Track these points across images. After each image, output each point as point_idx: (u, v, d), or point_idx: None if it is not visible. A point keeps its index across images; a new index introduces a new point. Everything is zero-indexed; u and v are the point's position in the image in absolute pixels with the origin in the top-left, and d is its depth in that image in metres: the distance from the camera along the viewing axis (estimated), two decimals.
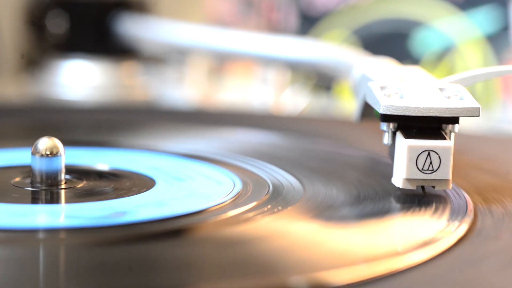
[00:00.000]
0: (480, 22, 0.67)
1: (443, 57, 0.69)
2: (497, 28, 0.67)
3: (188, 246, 0.29)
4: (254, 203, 0.33)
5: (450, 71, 0.68)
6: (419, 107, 0.33)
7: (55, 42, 0.72)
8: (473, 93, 0.63)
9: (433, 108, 0.33)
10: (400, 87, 0.34)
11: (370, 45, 0.70)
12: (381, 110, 0.33)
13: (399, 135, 0.33)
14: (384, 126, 0.33)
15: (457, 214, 0.32)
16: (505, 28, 0.66)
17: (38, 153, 0.34)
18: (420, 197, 0.33)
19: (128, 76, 0.73)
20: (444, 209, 0.32)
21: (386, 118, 0.33)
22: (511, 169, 0.42)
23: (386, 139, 0.34)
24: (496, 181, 0.38)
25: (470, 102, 0.33)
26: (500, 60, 0.66)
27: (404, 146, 0.32)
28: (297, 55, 0.59)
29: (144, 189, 0.35)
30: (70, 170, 0.36)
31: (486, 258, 0.28)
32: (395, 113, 0.33)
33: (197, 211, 0.32)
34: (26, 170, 0.35)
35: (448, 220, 0.31)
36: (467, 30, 0.68)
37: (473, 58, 0.67)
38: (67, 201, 0.34)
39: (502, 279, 0.27)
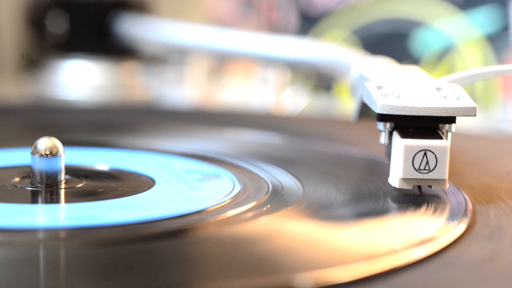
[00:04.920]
0: (480, 22, 0.67)
1: (443, 57, 0.69)
2: (497, 28, 0.67)
3: (188, 246, 0.29)
4: (253, 203, 0.33)
5: (450, 71, 0.68)
6: (416, 106, 0.33)
7: (55, 42, 0.72)
8: (472, 92, 0.63)
9: (430, 107, 0.33)
10: (397, 87, 0.34)
11: (370, 45, 0.70)
12: (378, 109, 0.33)
13: (395, 135, 0.33)
14: (380, 125, 0.33)
15: (456, 213, 0.32)
16: (505, 28, 0.66)
17: (38, 153, 0.34)
18: (418, 197, 0.33)
19: (128, 76, 0.73)
20: (443, 209, 0.32)
21: (383, 117, 0.33)
22: (510, 169, 0.42)
23: (383, 138, 0.34)
24: (495, 181, 0.38)
25: (466, 101, 0.33)
26: (500, 60, 0.66)
27: (401, 145, 0.32)
28: (296, 55, 0.59)
29: (144, 189, 0.35)
30: (70, 170, 0.36)
31: (484, 257, 0.28)
32: (392, 113, 0.33)
33: (197, 211, 0.32)
34: (26, 170, 0.35)
35: (447, 219, 0.31)
36: (467, 30, 0.68)
37: (473, 58, 0.67)
38: (67, 201, 0.34)
39: (500, 278, 0.27)
